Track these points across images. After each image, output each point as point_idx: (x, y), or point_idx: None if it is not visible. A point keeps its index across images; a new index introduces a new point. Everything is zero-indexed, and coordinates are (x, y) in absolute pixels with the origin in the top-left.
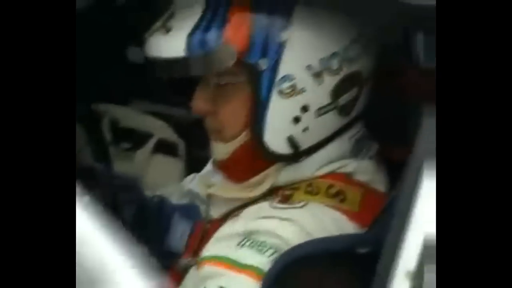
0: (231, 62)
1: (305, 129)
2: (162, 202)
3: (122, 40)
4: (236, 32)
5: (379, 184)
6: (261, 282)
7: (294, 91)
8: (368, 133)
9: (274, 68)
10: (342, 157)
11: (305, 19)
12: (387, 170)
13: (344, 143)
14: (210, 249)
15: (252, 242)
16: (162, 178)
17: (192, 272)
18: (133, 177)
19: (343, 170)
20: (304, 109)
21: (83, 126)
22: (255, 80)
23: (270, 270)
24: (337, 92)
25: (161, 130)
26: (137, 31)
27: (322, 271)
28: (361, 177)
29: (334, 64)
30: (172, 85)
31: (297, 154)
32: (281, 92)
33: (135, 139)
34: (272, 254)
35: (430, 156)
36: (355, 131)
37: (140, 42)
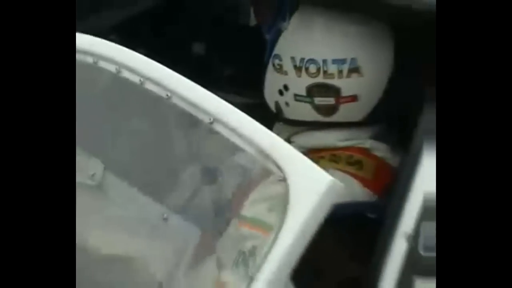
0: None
1: (287, 104)
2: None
3: (187, 33)
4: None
5: (393, 161)
6: None
7: (281, 70)
8: (386, 128)
9: (272, 45)
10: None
11: (305, 19)
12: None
13: (363, 130)
14: (248, 209)
15: (278, 207)
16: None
17: (231, 226)
18: None
19: (362, 145)
20: (285, 87)
21: None
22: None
23: None
24: (311, 91)
25: None
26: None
27: (335, 233)
28: (377, 153)
29: (312, 68)
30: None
31: (286, 121)
32: (273, 65)
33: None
34: None
35: (431, 133)
36: (372, 128)
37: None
